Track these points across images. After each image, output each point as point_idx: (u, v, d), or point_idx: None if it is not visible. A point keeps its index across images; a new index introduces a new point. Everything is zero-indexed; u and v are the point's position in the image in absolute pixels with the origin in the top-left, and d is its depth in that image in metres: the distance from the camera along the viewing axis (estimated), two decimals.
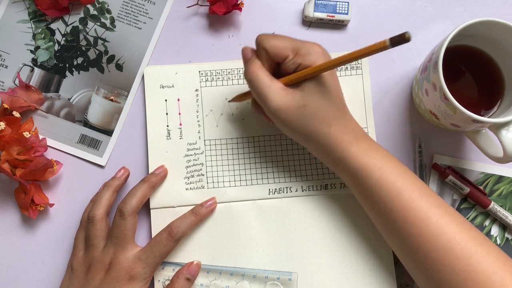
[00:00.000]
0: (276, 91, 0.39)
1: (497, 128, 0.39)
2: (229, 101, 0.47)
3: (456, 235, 0.36)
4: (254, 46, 0.49)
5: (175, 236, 0.43)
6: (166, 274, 0.45)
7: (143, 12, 0.50)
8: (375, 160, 0.39)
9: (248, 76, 0.40)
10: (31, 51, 0.49)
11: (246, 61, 0.41)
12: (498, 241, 0.47)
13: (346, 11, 0.48)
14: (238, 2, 0.48)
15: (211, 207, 0.46)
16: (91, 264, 0.42)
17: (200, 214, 0.45)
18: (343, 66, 0.48)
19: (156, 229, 0.46)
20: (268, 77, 0.39)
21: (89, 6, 0.50)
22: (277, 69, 0.41)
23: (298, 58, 0.38)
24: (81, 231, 0.45)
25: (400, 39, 0.30)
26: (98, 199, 0.44)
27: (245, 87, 0.48)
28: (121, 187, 0.46)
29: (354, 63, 0.48)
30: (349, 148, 0.39)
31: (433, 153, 0.48)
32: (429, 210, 0.37)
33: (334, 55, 0.48)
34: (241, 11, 0.48)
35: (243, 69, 0.41)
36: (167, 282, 0.44)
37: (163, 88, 0.48)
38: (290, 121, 0.39)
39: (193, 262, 0.44)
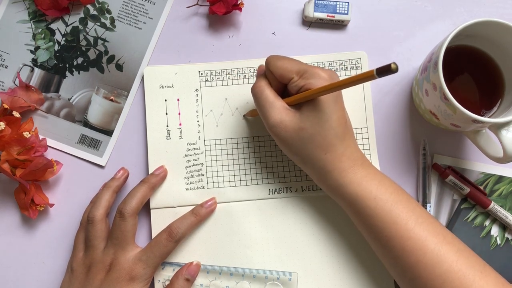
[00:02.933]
0: (277, 109, 0.40)
1: (497, 128, 0.39)
2: (244, 116, 0.47)
3: (454, 263, 0.36)
4: (255, 46, 0.49)
5: (175, 236, 0.43)
6: (166, 274, 0.45)
7: (143, 12, 0.50)
8: (371, 189, 0.39)
9: (253, 89, 0.41)
10: (31, 51, 0.49)
11: (256, 76, 0.43)
12: (498, 241, 0.47)
13: (346, 11, 0.48)
14: (238, 2, 0.48)
15: (211, 207, 0.46)
16: (91, 265, 0.42)
17: (200, 215, 0.45)
18: (343, 67, 0.48)
19: (156, 229, 0.46)
20: (272, 94, 0.40)
21: (89, 6, 0.50)
22: (286, 91, 0.42)
23: (301, 80, 0.39)
24: (81, 232, 0.45)
25: (386, 70, 0.30)
26: (98, 200, 0.44)
27: (246, 87, 0.48)
28: (121, 188, 0.46)
29: (354, 63, 0.48)
30: (345, 177, 0.39)
31: (433, 153, 0.48)
32: (427, 239, 0.37)
33: (334, 55, 0.48)
34: (241, 11, 0.48)
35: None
36: (167, 282, 0.44)
37: (162, 88, 0.48)
38: (286, 140, 0.40)
39: (193, 263, 0.44)
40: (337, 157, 0.39)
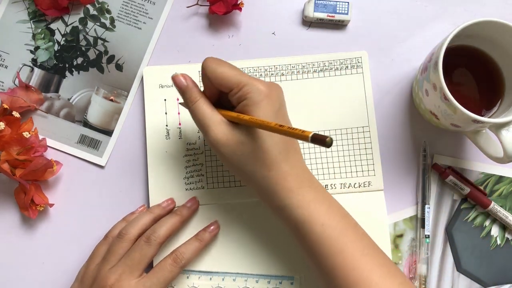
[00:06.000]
0: (216, 124, 0.37)
1: (497, 128, 0.39)
2: (180, 103, 0.45)
3: None
4: (255, 46, 0.49)
5: (180, 262, 0.42)
6: None
7: (143, 12, 0.50)
8: (319, 213, 0.37)
9: (189, 106, 0.39)
10: (31, 51, 0.49)
11: (183, 90, 0.39)
12: (498, 241, 0.47)
13: (346, 11, 0.48)
14: (238, 2, 0.48)
15: (214, 231, 0.45)
16: (95, 279, 0.41)
17: (205, 240, 0.44)
18: (343, 66, 0.48)
19: None
20: (209, 108, 0.38)
21: (89, 6, 0.50)
22: (222, 97, 0.40)
23: (242, 94, 0.37)
24: (103, 245, 0.44)
25: (321, 140, 0.29)
26: (137, 220, 0.43)
27: None
28: (160, 218, 0.45)
29: (354, 62, 0.48)
30: (291, 198, 0.37)
31: (433, 153, 0.48)
32: (371, 271, 0.36)
33: (334, 55, 0.48)
34: (241, 11, 0.48)
35: (182, 98, 0.40)
36: None
37: (162, 87, 0.48)
38: (228, 156, 0.37)
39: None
40: (282, 176, 0.37)
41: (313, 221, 0.37)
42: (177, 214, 0.44)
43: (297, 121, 0.47)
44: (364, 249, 0.37)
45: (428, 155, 0.47)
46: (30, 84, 0.49)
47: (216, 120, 0.37)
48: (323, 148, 0.47)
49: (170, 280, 0.41)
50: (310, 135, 0.30)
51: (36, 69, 0.49)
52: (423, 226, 0.46)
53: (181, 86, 0.39)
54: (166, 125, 0.47)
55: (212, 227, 0.45)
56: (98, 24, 0.50)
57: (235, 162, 0.37)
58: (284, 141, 0.37)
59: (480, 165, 0.48)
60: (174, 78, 0.39)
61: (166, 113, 0.48)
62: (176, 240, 0.45)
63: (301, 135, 0.31)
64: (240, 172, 0.38)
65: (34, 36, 0.49)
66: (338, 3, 0.48)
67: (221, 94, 0.40)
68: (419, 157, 0.48)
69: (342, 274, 0.36)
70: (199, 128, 0.39)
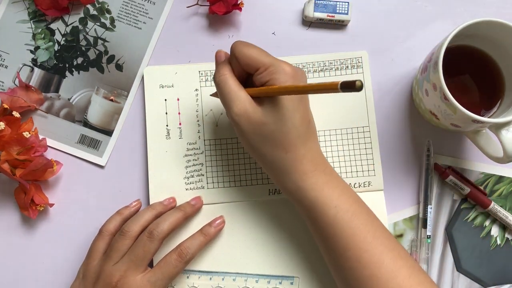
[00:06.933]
0: (242, 98, 0.38)
1: (497, 128, 0.39)
2: (210, 95, 0.46)
3: (406, 279, 0.36)
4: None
5: (185, 257, 0.42)
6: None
7: (143, 12, 0.50)
8: (333, 196, 0.38)
9: (216, 78, 0.39)
10: (31, 51, 0.49)
11: (217, 63, 0.40)
12: (498, 241, 0.47)
13: (346, 11, 0.48)
14: (238, 2, 0.48)
15: (219, 226, 0.45)
16: (100, 276, 0.41)
17: (210, 234, 0.44)
18: (343, 66, 0.48)
19: None
20: (236, 83, 0.38)
21: (89, 6, 0.50)
22: (248, 80, 0.40)
23: (267, 74, 0.37)
24: (100, 241, 0.43)
25: (350, 85, 0.29)
26: (139, 217, 0.43)
27: None
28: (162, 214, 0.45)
29: (354, 61, 0.48)
30: (306, 180, 0.38)
31: (433, 153, 0.48)
32: (383, 253, 0.37)
33: (335, 55, 0.48)
34: (241, 11, 0.48)
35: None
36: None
37: (162, 87, 0.48)
38: (248, 133, 0.38)
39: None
40: (298, 159, 0.38)
41: (326, 203, 0.38)
42: (181, 210, 0.44)
43: None
44: (376, 232, 0.38)
45: (432, 155, 0.47)
46: (30, 84, 0.49)
47: (241, 96, 0.38)
48: (322, 144, 0.47)
49: (175, 275, 0.42)
50: (339, 83, 0.30)
51: (36, 69, 0.49)
52: (424, 226, 0.46)
53: (218, 60, 0.40)
54: (166, 125, 0.47)
55: (217, 222, 0.45)
56: (98, 24, 0.50)
57: (253, 140, 0.38)
58: (303, 124, 0.38)
59: (480, 165, 0.48)
60: (217, 53, 0.40)
61: (166, 113, 0.48)
62: (176, 240, 0.45)
63: (330, 85, 0.31)
64: (256, 151, 0.39)
65: (34, 36, 0.49)
66: (338, 3, 0.48)
67: (248, 78, 0.40)
68: (421, 157, 0.48)
69: (354, 256, 0.37)
70: (223, 103, 0.39)
